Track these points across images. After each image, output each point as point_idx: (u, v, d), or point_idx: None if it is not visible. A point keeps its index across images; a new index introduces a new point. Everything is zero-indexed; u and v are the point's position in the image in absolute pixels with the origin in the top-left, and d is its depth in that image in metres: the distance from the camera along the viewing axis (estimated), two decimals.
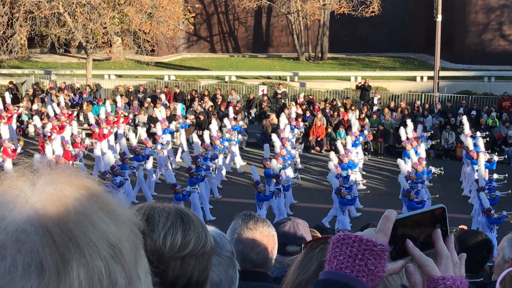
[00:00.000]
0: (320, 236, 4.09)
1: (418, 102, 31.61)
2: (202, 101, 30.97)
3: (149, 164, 23.04)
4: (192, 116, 28.72)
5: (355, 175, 21.91)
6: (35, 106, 30.07)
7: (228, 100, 31.41)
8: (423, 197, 19.84)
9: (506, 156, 25.18)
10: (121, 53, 41.29)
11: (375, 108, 31.10)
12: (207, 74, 38.35)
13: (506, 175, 20.95)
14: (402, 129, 24.71)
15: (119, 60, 41.00)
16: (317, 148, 28.32)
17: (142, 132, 26.43)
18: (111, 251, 1.04)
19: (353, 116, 27.35)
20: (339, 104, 31.17)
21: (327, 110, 29.92)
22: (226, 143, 24.54)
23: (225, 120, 26.10)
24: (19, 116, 29.34)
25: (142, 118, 29.17)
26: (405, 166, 21.18)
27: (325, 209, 20.55)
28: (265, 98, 32.12)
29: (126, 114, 28.06)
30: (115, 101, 29.27)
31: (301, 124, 27.54)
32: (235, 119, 26.88)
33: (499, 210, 18.19)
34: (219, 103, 30.88)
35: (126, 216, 1.12)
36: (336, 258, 1.53)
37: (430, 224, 1.64)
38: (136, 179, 22.00)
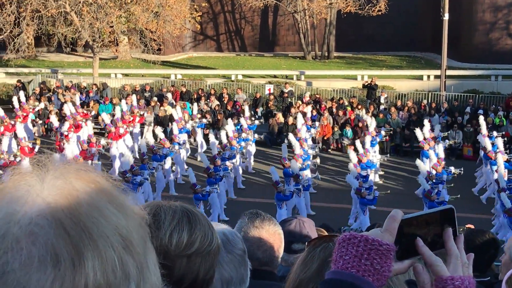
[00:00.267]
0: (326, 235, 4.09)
1: (425, 101, 31.56)
2: (208, 100, 30.99)
3: (167, 164, 23.09)
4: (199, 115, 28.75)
5: (375, 175, 21.91)
6: (42, 105, 30.13)
7: (235, 99, 31.43)
8: (444, 197, 19.59)
9: None
10: (128, 52, 41.37)
11: (381, 107, 31.06)
12: (214, 73, 38.39)
13: None
14: (418, 130, 24.51)
15: (126, 59, 41.08)
16: (324, 147, 28.29)
17: (148, 132, 26.54)
18: (122, 242, 1.06)
19: (368, 116, 27.31)
20: (346, 103, 31.14)
21: (334, 109, 29.90)
22: (243, 143, 24.57)
23: (241, 120, 26.20)
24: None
25: (149, 117, 29.20)
26: (424, 166, 21.06)
27: (341, 208, 20.48)
28: (272, 97, 32.11)
29: (142, 113, 28.11)
30: (130, 100, 29.28)
31: (317, 123, 27.59)
32: (250, 118, 27.04)
33: None
34: (225, 102, 30.90)
35: (134, 210, 1.14)
36: (342, 258, 1.53)
37: (437, 224, 1.64)
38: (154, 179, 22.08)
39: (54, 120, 26.32)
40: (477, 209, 20.85)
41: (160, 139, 24.28)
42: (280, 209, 18.99)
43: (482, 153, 24.08)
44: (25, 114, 27.76)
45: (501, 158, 21.56)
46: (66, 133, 24.55)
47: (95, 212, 1.05)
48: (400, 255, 1.58)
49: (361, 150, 22.56)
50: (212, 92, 32.04)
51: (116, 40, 37.29)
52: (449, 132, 27.44)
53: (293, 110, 29.25)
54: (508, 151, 23.91)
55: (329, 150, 28.05)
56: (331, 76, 36.98)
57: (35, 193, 1.06)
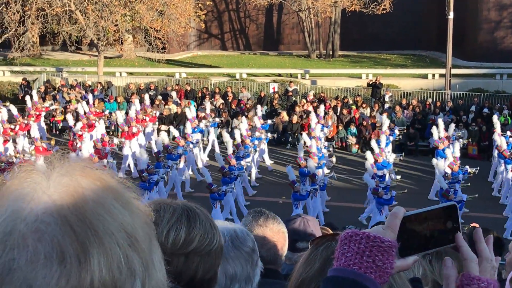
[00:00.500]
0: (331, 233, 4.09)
1: (430, 100, 31.50)
2: (213, 99, 30.99)
3: (182, 163, 23.08)
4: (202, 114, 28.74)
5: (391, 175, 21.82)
6: (47, 104, 30.14)
7: (239, 98, 31.42)
8: (462, 197, 19.30)
9: None
10: (132, 51, 41.40)
11: (386, 105, 31.00)
12: (218, 72, 38.37)
13: None
14: (434, 128, 24.32)
15: (130, 57, 41.12)
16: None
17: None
18: (128, 239, 1.07)
19: (382, 116, 27.19)
20: (351, 102, 31.10)
21: (338, 108, 29.86)
22: (256, 142, 24.58)
23: (255, 119, 26.17)
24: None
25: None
26: (442, 165, 20.82)
27: (355, 208, 20.41)
28: (276, 95, 32.07)
29: (155, 112, 28.09)
30: (142, 99, 29.26)
31: (330, 122, 27.53)
32: (263, 117, 27.06)
33: None
34: (230, 100, 30.89)
35: (139, 207, 1.15)
36: (344, 255, 1.54)
37: (440, 221, 1.64)
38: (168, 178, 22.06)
39: (70, 119, 26.23)
40: (490, 208, 20.69)
41: (175, 137, 24.29)
42: (296, 208, 18.80)
43: (496, 151, 23.93)
44: (37, 113, 27.77)
45: None
46: (79, 133, 24.57)
47: (101, 209, 1.06)
48: (402, 252, 1.59)
49: (376, 150, 22.41)
50: (217, 90, 32.03)
51: (121, 38, 37.31)
52: (462, 131, 27.24)
53: (297, 109, 29.23)
54: None
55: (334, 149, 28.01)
56: (335, 74, 36.91)
57: (41, 190, 1.06)
